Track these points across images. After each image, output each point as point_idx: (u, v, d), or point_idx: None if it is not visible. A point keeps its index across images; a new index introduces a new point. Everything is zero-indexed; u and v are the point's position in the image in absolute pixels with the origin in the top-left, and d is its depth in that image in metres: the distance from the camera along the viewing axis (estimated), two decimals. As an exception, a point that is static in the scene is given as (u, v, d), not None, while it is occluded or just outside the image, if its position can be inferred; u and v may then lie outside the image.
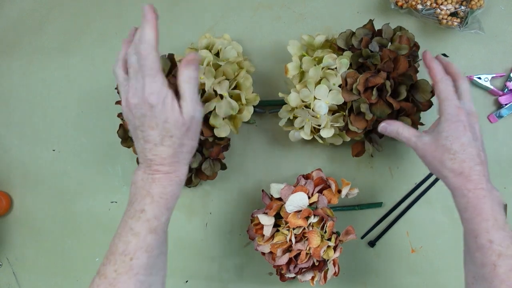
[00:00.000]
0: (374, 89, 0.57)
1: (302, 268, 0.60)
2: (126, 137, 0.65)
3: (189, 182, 0.66)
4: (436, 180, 0.69)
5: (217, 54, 0.64)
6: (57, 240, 0.75)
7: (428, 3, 0.66)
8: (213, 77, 0.59)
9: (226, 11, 0.75)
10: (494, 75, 0.68)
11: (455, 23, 0.66)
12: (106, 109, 0.75)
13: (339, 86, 0.59)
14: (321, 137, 0.63)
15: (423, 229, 0.69)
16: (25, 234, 0.76)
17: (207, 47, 0.64)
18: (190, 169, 0.64)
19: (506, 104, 0.68)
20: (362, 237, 0.70)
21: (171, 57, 0.60)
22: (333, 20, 0.73)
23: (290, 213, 0.59)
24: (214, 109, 0.58)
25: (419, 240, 0.69)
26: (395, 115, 0.60)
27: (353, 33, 0.61)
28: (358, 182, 0.70)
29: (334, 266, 0.61)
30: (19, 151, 0.77)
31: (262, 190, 0.65)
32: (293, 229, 0.59)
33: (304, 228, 0.59)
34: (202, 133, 0.59)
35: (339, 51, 0.62)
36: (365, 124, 0.59)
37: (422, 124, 0.63)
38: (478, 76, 0.68)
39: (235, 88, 0.61)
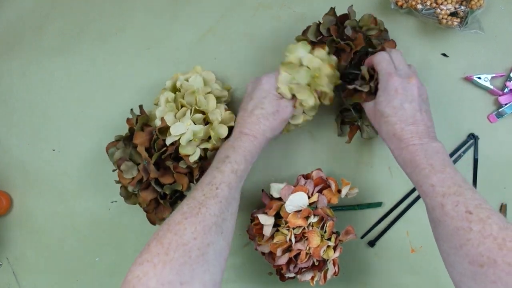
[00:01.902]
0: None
1: (302, 268, 0.60)
2: (129, 195, 0.66)
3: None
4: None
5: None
6: (57, 240, 0.75)
7: (428, 3, 0.66)
8: (174, 112, 0.63)
9: (226, 11, 0.75)
10: (494, 75, 0.68)
11: (455, 23, 0.66)
12: (106, 109, 0.75)
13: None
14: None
15: (423, 229, 0.69)
16: (25, 234, 0.76)
17: (173, 86, 0.67)
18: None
19: (506, 104, 0.68)
20: (362, 237, 0.70)
21: (140, 108, 0.66)
22: (333, 20, 0.73)
23: (290, 213, 0.59)
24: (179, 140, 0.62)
25: (419, 240, 0.69)
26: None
27: (319, 24, 0.64)
28: (358, 182, 0.70)
29: (334, 266, 0.61)
30: (19, 151, 0.77)
31: (262, 190, 0.65)
32: (293, 229, 0.59)
33: (304, 228, 0.59)
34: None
35: (312, 44, 0.63)
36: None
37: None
38: (478, 76, 0.68)
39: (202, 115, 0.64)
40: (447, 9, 0.66)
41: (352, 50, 0.61)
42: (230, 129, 0.63)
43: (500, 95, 0.68)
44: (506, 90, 0.68)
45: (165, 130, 0.62)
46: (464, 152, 0.69)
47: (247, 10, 0.75)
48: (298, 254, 0.59)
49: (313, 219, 0.60)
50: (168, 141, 0.62)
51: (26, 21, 0.80)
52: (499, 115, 0.68)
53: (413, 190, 0.70)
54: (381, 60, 0.57)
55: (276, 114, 0.60)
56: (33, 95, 0.78)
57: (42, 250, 0.75)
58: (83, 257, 0.74)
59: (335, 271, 0.61)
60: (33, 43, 0.79)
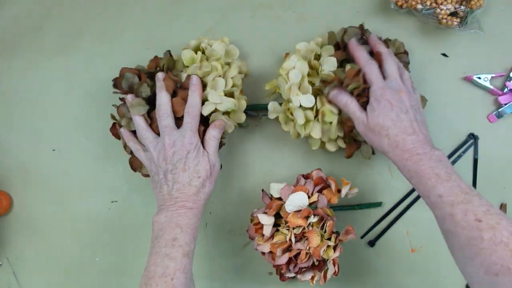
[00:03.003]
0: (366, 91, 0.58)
1: (302, 268, 0.60)
2: (119, 136, 0.66)
3: None
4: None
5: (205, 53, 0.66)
6: (57, 240, 0.75)
7: (428, 3, 0.66)
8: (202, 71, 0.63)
9: (226, 11, 0.75)
10: (494, 75, 0.68)
11: (455, 23, 0.66)
12: (106, 109, 0.75)
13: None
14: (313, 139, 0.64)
15: (423, 229, 0.69)
16: (25, 234, 0.76)
17: (197, 47, 0.66)
18: None
19: (505, 104, 0.68)
20: (362, 237, 0.70)
21: (170, 53, 0.66)
22: (333, 20, 0.73)
23: (290, 213, 0.59)
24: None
25: (419, 240, 0.69)
26: None
27: (344, 31, 0.63)
28: (358, 182, 0.70)
29: (334, 265, 0.61)
30: (19, 151, 0.77)
31: (262, 190, 0.65)
32: (293, 228, 0.59)
33: (304, 228, 0.59)
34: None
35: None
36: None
37: None
38: (478, 76, 0.68)
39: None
40: (447, 9, 0.66)
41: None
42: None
43: (500, 95, 0.68)
44: (506, 90, 0.68)
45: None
46: (464, 152, 0.69)
47: (247, 10, 0.75)
48: (298, 254, 0.59)
49: (313, 219, 0.60)
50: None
51: (26, 21, 0.80)
52: (499, 115, 0.68)
53: (413, 190, 0.70)
54: (371, 72, 0.57)
55: (210, 177, 0.59)
56: (33, 95, 0.78)
57: (42, 250, 0.75)
58: (83, 257, 0.74)
59: (335, 271, 0.61)
60: (33, 43, 0.79)
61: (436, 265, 0.69)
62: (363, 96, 0.58)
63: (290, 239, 0.59)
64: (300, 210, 0.60)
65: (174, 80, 0.62)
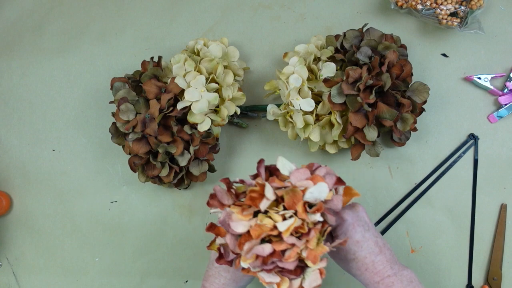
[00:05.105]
0: (373, 89, 0.58)
1: (280, 268, 0.48)
2: (117, 134, 0.66)
3: (180, 183, 0.67)
4: (436, 180, 0.69)
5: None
6: (57, 240, 0.75)
7: (428, 3, 0.66)
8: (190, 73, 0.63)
9: (226, 11, 0.75)
10: (494, 75, 0.68)
11: (455, 23, 0.66)
12: (106, 109, 0.75)
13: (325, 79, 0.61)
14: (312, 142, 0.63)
15: (423, 229, 0.69)
16: (25, 234, 0.76)
17: (193, 49, 0.67)
18: (181, 169, 0.65)
19: (506, 104, 0.68)
20: (362, 237, 0.70)
21: (160, 58, 0.67)
22: (333, 20, 0.73)
23: (300, 202, 0.48)
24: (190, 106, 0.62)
25: (419, 240, 0.69)
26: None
27: (344, 36, 0.63)
28: (358, 182, 0.70)
29: (321, 275, 0.49)
30: (19, 151, 0.77)
31: (260, 160, 0.50)
32: (290, 217, 0.48)
33: (303, 223, 0.48)
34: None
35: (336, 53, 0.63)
36: (365, 122, 0.59)
37: (416, 129, 0.63)
38: (478, 76, 0.68)
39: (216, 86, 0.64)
40: (447, 9, 0.66)
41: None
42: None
43: (500, 95, 0.68)
44: (506, 90, 0.68)
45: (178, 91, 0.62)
46: (464, 152, 0.69)
47: (247, 10, 0.75)
48: (284, 250, 0.48)
49: (319, 218, 0.48)
50: (180, 106, 0.61)
51: (26, 21, 0.80)
52: (499, 115, 0.68)
53: (413, 190, 0.70)
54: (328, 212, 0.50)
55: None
56: (33, 95, 0.78)
57: (42, 250, 0.75)
58: (83, 257, 0.74)
59: (319, 284, 0.49)
60: (33, 43, 0.79)
61: (436, 265, 0.69)
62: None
63: (275, 228, 0.47)
64: (310, 206, 0.49)
65: (158, 86, 0.63)
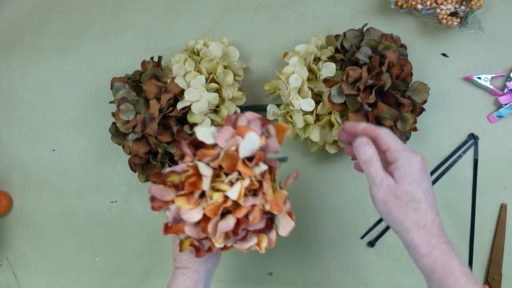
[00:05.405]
0: (373, 89, 0.58)
1: (253, 231, 0.47)
2: (117, 134, 0.66)
3: None
4: (436, 180, 0.69)
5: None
6: (57, 240, 0.75)
7: (428, 3, 0.66)
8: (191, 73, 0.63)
9: (226, 11, 0.75)
10: (494, 75, 0.68)
11: (455, 23, 0.66)
12: (106, 109, 0.75)
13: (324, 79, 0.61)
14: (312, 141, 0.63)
15: (423, 229, 0.69)
16: (25, 234, 0.76)
17: (193, 49, 0.67)
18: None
19: (506, 104, 0.68)
20: (362, 237, 0.70)
21: (159, 59, 0.67)
22: (333, 20, 0.73)
23: (238, 161, 0.45)
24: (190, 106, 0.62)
25: (419, 240, 0.69)
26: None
27: (344, 36, 0.63)
28: (358, 181, 0.70)
29: (292, 217, 0.49)
30: (19, 151, 0.77)
31: (180, 139, 0.48)
32: (237, 180, 0.45)
33: (251, 181, 0.45)
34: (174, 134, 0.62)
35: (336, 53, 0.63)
36: (365, 122, 0.59)
37: (416, 129, 0.63)
38: (478, 76, 0.68)
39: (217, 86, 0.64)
40: (447, 9, 0.66)
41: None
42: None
43: (500, 95, 0.68)
44: (506, 90, 0.68)
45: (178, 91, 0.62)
46: (464, 152, 0.69)
47: (247, 10, 0.75)
48: (247, 214, 0.45)
49: (264, 167, 0.46)
50: (180, 106, 0.61)
51: (26, 21, 0.80)
52: (499, 115, 0.68)
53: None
54: (389, 137, 0.46)
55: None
56: (33, 95, 0.78)
57: (42, 250, 0.75)
58: (83, 257, 0.74)
59: (293, 225, 0.48)
60: (33, 43, 0.79)
61: (436, 265, 0.69)
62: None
63: (227, 198, 0.45)
64: (249, 158, 0.46)
65: (158, 86, 0.63)
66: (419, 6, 0.66)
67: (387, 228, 0.70)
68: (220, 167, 0.45)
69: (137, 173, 0.67)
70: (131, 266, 0.73)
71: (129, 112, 0.63)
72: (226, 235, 0.45)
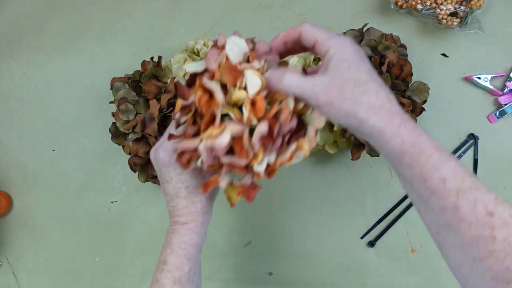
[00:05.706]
0: None
1: (289, 135, 0.43)
2: (117, 134, 0.66)
3: None
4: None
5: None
6: (57, 240, 0.75)
7: (428, 3, 0.66)
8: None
9: (226, 11, 0.75)
10: (494, 75, 0.68)
11: (455, 23, 0.66)
12: (106, 109, 0.75)
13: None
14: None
15: (423, 229, 0.69)
16: (25, 234, 0.76)
17: (193, 49, 0.67)
18: None
19: (505, 104, 0.68)
20: (362, 237, 0.70)
21: (159, 58, 0.67)
22: (333, 20, 0.73)
23: (236, 66, 0.44)
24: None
25: (419, 240, 0.69)
26: None
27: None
28: (358, 182, 0.70)
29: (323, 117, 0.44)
30: (19, 151, 0.77)
31: (176, 83, 0.45)
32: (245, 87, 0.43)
33: (261, 79, 0.43)
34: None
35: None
36: None
37: None
38: (478, 76, 0.68)
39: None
40: (447, 9, 0.66)
41: None
42: None
43: (500, 95, 0.68)
44: (506, 90, 0.68)
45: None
46: (464, 152, 0.69)
47: (247, 10, 0.75)
48: (276, 116, 0.42)
49: (262, 62, 0.45)
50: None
51: (26, 21, 0.80)
52: (499, 115, 0.68)
53: (413, 190, 0.70)
54: (312, 28, 0.42)
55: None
56: (33, 95, 0.78)
57: (42, 250, 0.75)
58: (83, 257, 0.74)
59: (324, 122, 0.44)
60: (33, 43, 0.79)
61: (436, 265, 0.69)
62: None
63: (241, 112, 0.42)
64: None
65: (158, 86, 0.63)
66: (419, 6, 0.66)
67: (387, 228, 0.70)
68: (225, 86, 0.42)
69: (137, 173, 0.67)
70: (131, 266, 0.73)
71: (129, 112, 0.63)
72: (264, 147, 0.41)
